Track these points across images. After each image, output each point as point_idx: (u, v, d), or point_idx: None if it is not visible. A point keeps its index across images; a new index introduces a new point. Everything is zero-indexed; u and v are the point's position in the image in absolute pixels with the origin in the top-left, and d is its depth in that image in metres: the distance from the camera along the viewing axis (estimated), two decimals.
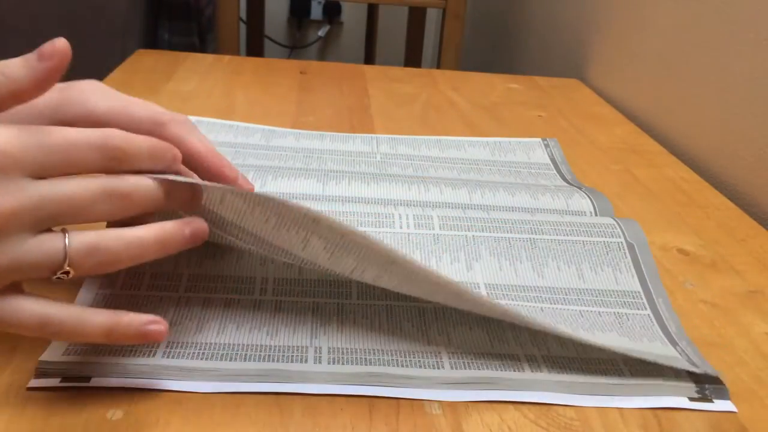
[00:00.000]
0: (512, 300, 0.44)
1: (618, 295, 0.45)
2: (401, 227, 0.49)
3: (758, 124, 0.67)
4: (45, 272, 0.32)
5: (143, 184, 0.34)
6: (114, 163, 0.33)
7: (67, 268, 0.32)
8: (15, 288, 0.32)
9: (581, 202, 0.55)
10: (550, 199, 0.55)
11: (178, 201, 0.36)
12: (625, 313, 0.44)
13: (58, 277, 0.32)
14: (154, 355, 0.37)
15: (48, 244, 0.32)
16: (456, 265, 0.46)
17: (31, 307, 0.32)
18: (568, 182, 0.62)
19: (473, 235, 0.48)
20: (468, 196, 0.55)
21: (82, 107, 0.36)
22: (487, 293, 0.44)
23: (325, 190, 0.54)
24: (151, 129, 0.37)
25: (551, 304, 0.44)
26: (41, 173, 0.32)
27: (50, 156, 0.32)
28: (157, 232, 0.34)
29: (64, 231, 0.32)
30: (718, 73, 0.73)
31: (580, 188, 0.59)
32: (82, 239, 0.32)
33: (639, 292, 0.46)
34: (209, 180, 0.38)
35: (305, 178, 0.55)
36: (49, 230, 0.32)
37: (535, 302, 0.44)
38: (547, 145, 0.70)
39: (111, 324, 0.33)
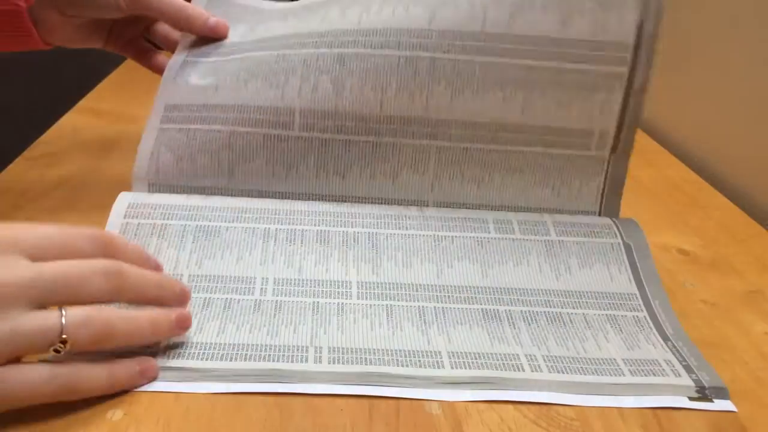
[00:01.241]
0: (507, 305, 0.44)
1: (613, 298, 0.45)
2: (407, 229, 0.49)
3: (758, 124, 0.67)
4: (42, 344, 0.32)
5: (140, 272, 0.37)
6: (116, 282, 0.35)
7: (64, 336, 0.32)
8: (16, 361, 0.33)
9: (591, 187, 0.53)
10: (558, 191, 0.54)
11: (169, 297, 0.38)
12: (622, 315, 0.44)
13: (56, 350, 0.32)
14: (154, 357, 0.37)
15: (44, 316, 0.32)
16: (462, 265, 0.46)
17: (37, 367, 0.33)
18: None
19: (470, 236, 0.49)
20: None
21: None
22: (485, 297, 0.45)
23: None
24: None
25: (546, 307, 0.44)
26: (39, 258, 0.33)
27: (46, 241, 0.34)
28: (149, 314, 0.36)
29: (60, 307, 0.33)
30: (718, 73, 0.73)
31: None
32: (78, 311, 0.33)
33: (635, 293, 0.46)
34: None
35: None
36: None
37: (529, 306, 0.44)
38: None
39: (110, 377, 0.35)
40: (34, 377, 0.32)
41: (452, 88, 0.49)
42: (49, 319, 0.32)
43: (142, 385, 0.36)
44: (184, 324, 0.38)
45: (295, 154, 0.51)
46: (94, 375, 0.34)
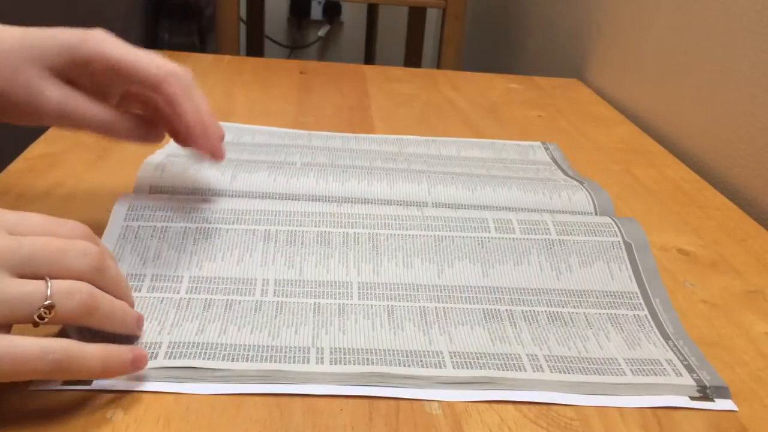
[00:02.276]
0: (508, 305, 0.44)
1: (613, 296, 0.46)
2: (407, 229, 0.49)
3: (758, 124, 0.67)
4: (26, 310, 0.32)
5: (118, 269, 0.38)
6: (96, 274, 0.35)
7: (50, 303, 0.32)
8: (5, 329, 0.32)
9: (581, 196, 0.55)
10: (549, 196, 0.55)
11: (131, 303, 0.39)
12: (622, 314, 0.44)
13: (40, 316, 0.32)
14: (156, 358, 0.37)
15: (30, 282, 0.33)
16: (462, 264, 0.46)
17: (30, 340, 0.32)
18: (570, 176, 0.62)
19: (470, 236, 0.49)
20: (471, 194, 0.55)
21: (98, 49, 0.42)
22: (486, 297, 0.45)
23: (328, 189, 0.54)
24: (154, 87, 0.44)
25: (547, 306, 0.44)
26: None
27: (28, 222, 0.35)
28: (122, 303, 0.37)
29: (46, 279, 0.33)
30: (718, 73, 0.74)
31: (581, 183, 0.59)
32: (63, 282, 0.33)
33: (636, 292, 0.46)
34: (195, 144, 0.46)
35: (305, 176, 0.56)
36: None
37: (530, 305, 0.44)
38: (547, 148, 0.70)
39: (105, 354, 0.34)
40: (27, 350, 0.31)
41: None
42: (34, 285, 0.32)
43: (131, 372, 0.35)
44: (141, 324, 0.39)
45: (296, 171, 0.55)
46: (88, 355, 0.33)
